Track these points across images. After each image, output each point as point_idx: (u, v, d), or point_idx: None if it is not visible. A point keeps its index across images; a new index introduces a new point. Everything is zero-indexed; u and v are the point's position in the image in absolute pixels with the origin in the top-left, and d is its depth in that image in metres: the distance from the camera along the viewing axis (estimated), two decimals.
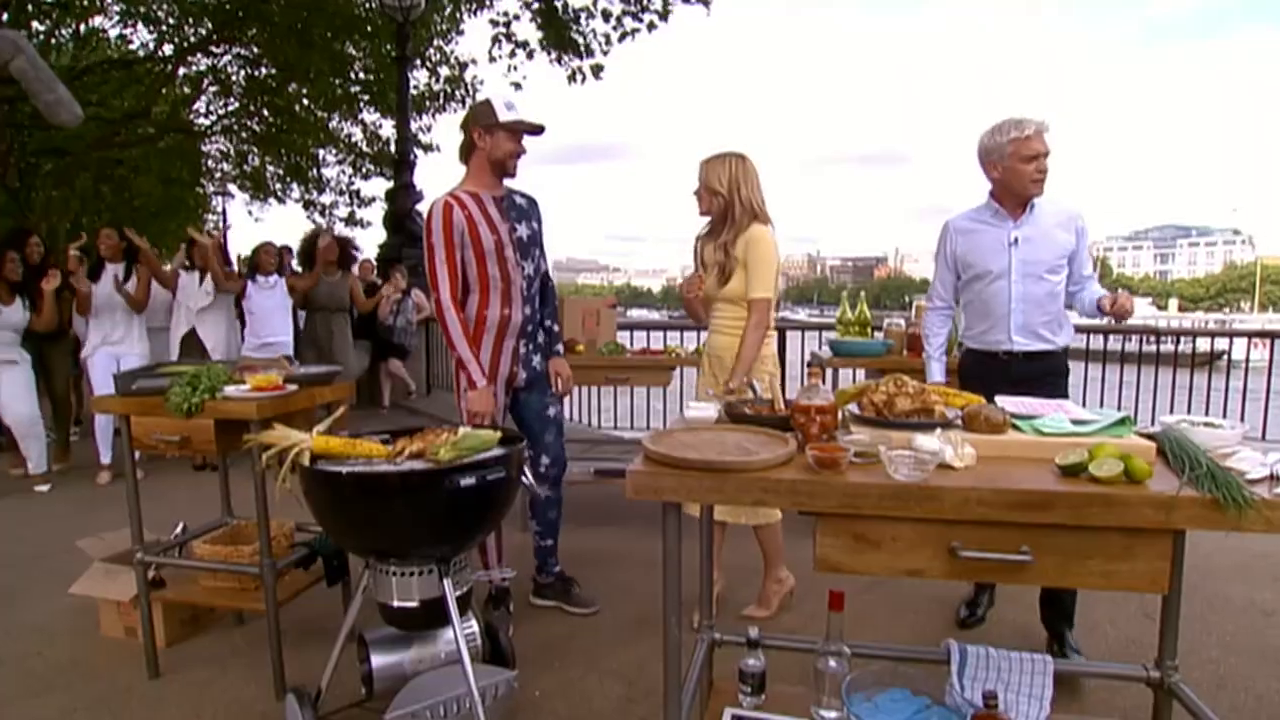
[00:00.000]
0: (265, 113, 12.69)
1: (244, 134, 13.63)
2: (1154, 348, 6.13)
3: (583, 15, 9.63)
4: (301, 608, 2.56)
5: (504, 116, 2.43)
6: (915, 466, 1.24)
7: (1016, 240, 2.45)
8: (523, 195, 2.63)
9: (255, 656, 2.42)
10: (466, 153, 2.52)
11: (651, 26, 9.39)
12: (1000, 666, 1.69)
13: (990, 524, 1.22)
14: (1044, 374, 2.43)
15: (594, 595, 2.80)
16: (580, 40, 9.76)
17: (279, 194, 15.06)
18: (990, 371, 2.48)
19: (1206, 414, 2.76)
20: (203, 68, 12.06)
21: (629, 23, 9.44)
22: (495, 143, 2.45)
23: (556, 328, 2.78)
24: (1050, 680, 1.68)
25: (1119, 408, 3.79)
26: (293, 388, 2.25)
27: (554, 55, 9.91)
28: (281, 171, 14.53)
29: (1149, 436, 1.43)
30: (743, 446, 1.44)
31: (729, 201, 2.60)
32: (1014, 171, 2.39)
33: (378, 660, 1.98)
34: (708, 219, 2.73)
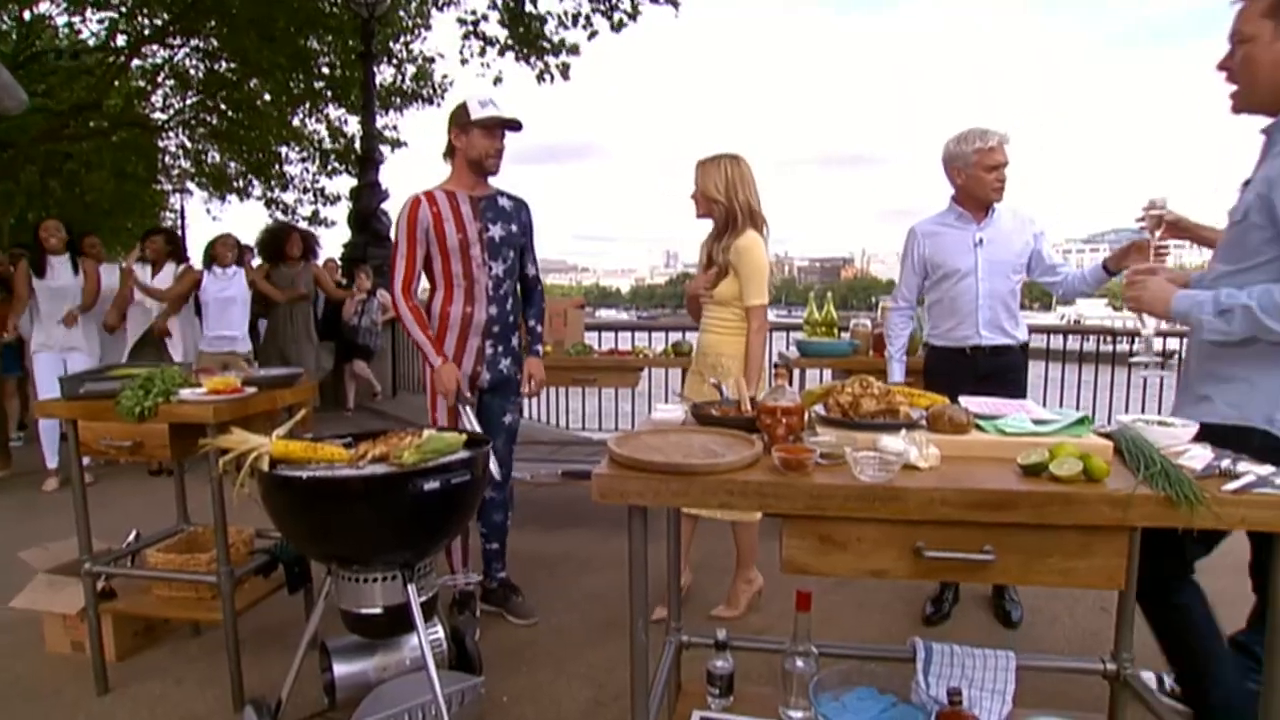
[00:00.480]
0: (224, 108, 12.37)
1: (203, 129, 13.27)
2: (1110, 347, 6.36)
3: (549, 16, 9.59)
4: (261, 616, 2.50)
5: (477, 114, 2.45)
6: (880, 467, 1.24)
7: (981, 240, 2.62)
8: (511, 198, 2.65)
9: (212, 668, 2.35)
10: (449, 154, 2.56)
11: (620, 25, 9.38)
12: (965, 663, 1.71)
13: (954, 524, 1.23)
14: (1006, 369, 2.61)
15: (534, 606, 2.78)
16: (548, 42, 9.71)
17: (241, 191, 14.69)
18: (957, 367, 2.62)
19: (1159, 412, 2.83)
20: (159, 60, 11.71)
21: (598, 21, 9.42)
22: (471, 141, 2.48)
23: (540, 328, 2.81)
24: (1013, 675, 1.71)
25: (1077, 407, 3.90)
26: (252, 390, 2.20)
27: (522, 54, 9.84)
28: (243, 168, 14.17)
29: (1106, 435, 1.46)
30: (709, 448, 1.44)
31: (728, 207, 2.64)
32: (977, 179, 2.56)
33: (340, 669, 1.94)
34: (709, 220, 2.75)
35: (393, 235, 2.51)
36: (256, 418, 2.23)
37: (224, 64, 11.34)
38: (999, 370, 2.59)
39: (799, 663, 1.68)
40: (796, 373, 3.47)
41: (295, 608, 2.49)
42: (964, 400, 1.62)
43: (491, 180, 2.60)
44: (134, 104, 12.25)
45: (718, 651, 1.79)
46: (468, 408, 2.43)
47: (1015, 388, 2.56)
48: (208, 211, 15.66)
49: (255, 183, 14.27)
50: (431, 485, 1.73)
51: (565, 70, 9.91)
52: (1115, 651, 1.80)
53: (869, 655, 1.83)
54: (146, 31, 10.68)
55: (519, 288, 2.71)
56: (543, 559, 3.37)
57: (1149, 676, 2.22)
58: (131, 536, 2.53)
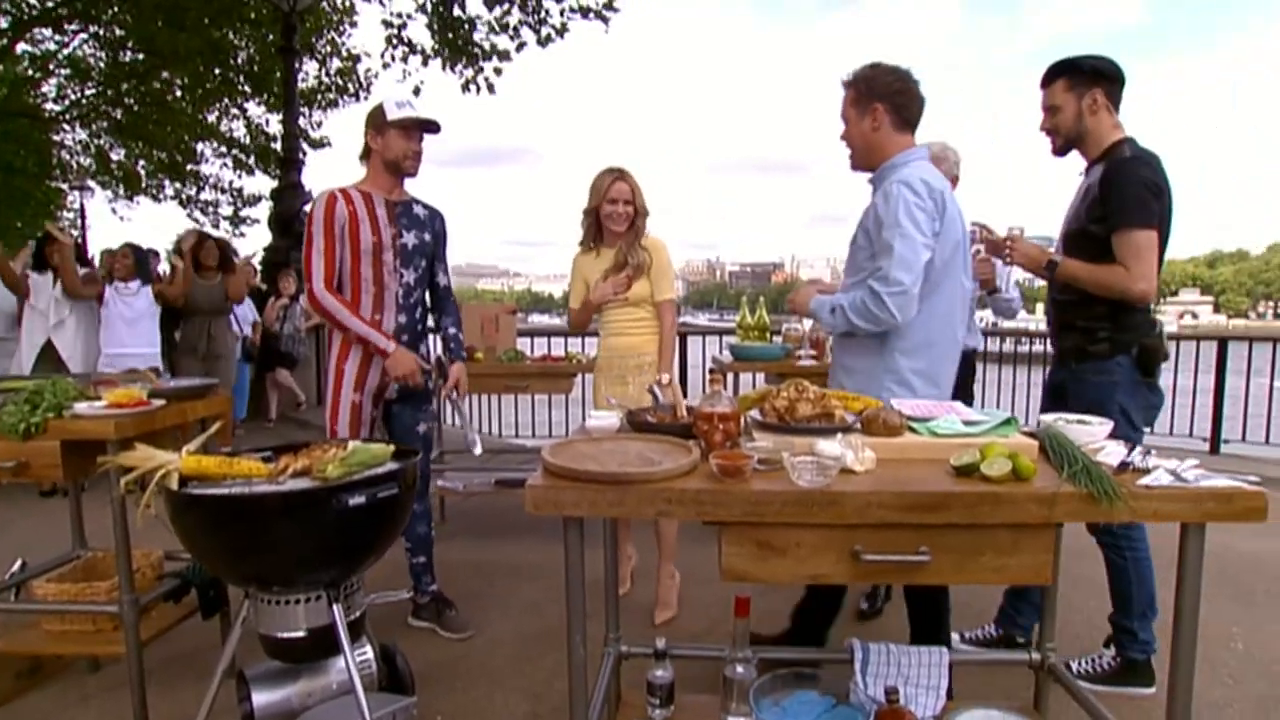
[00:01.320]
0: (130, 101, 11.60)
1: (106, 124, 12.41)
2: (1027, 348, 6.73)
3: (478, 25, 9.43)
4: (172, 645, 2.34)
5: (393, 115, 2.38)
6: (818, 472, 1.24)
7: None
8: (426, 206, 2.58)
9: (113, 705, 2.17)
10: (365, 155, 2.48)
11: (547, 40, 9.32)
12: (900, 661, 1.74)
13: (890, 526, 1.24)
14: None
15: (469, 619, 2.71)
16: (479, 49, 9.55)
17: (152, 191, 13.82)
18: None
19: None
20: (51, 46, 10.86)
21: (526, 34, 9.33)
22: (387, 143, 2.40)
23: (461, 335, 2.73)
24: (946, 671, 1.74)
25: (998, 406, 4.05)
26: (159, 403, 2.05)
27: (448, 60, 9.63)
28: (154, 167, 13.33)
29: (1031, 435, 1.51)
30: (645, 456, 1.41)
31: (638, 210, 2.78)
32: None
33: (260, 698, 1.82)
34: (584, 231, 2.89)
35: (307, 231, 2.40)
36: (165, 432, 2.09)
37: (130, 54, 10.63)
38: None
39: (739, 669, 1.67)
40: (730, 377, 3.48)
41: (211, 634, 2.34)
42: (896, 403, 1.65)
43: (408, 185, 2.53)
44: (21, 92, 11.28)
45: (657, 661, 1.77)
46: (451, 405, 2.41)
47: (962, 392, 2.62)
48: (113, 212, 14.59)
49: (167, 182, 13.46)
50: (357, 500, 1.65)
51: (490, 86, 9.74)
52: (1040, 642, 1.87)
53: (807, 659, 1.84)
54: (34, 12, 9.85)
55: (430, 297, 2.64)
56: (477, 570, 3.28)
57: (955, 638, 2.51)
58: (16, 566, 2.32)
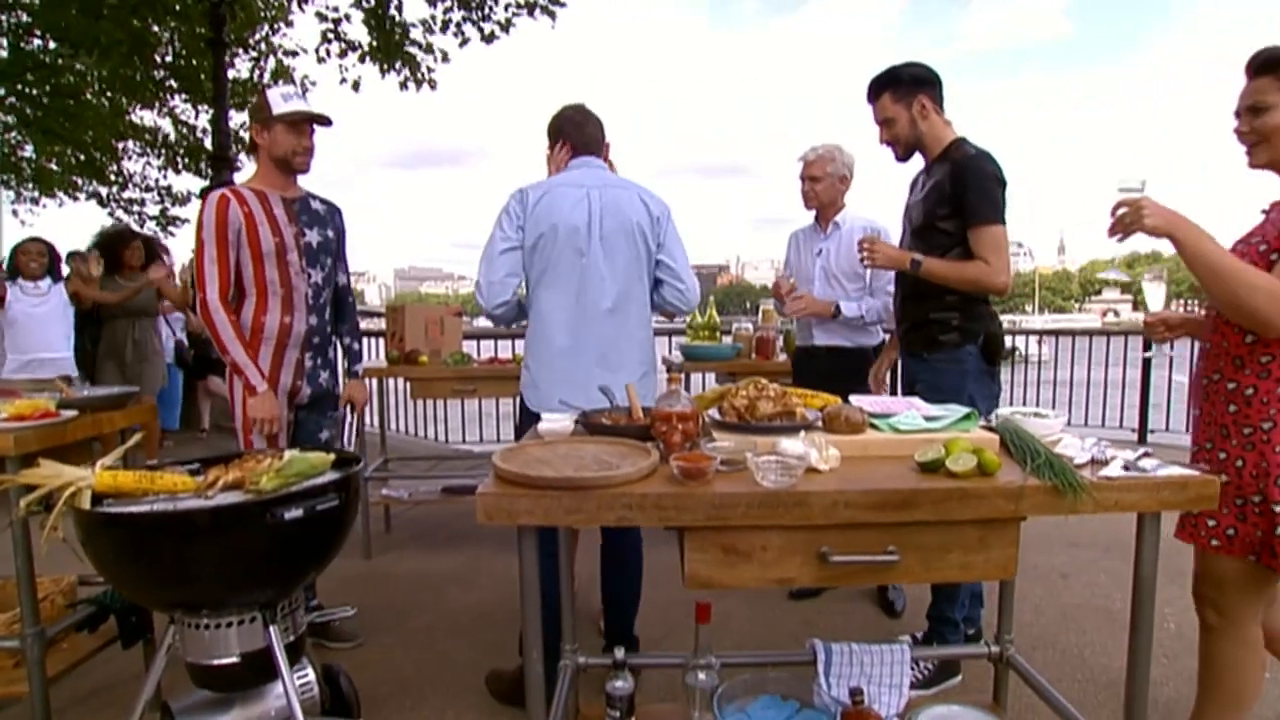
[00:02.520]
0: (36, 93, 10.80)
1: (10, 118, 11.54)
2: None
3: (416, 27, 9.19)
4: (89, 679, 2.17)
5: (279, 108, 2.24)
6: (784, 472, 1.20)
7: (821, 251, 2.85)
8: (323, 201, 2.45)
9: None
10: (252, 150, 2.38)
11: (492, 37, 9.13)
12: (863, 660, 1.71)
13: (857, 526, 1.21)
14: (845, 371, 2.75)
15: (357, 628, 2.60)
16: (417, 45, 9.30)
17: (69, 191, 12.93)
18: (806, 367, 2.89)
19: (1010, 404, 3.06)
20: None
21: (469, 30, 9.12)
22: (274, 138, 2.26)
23: (357, 345, 2.60)
24: (908, 668, 1.73)
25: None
26: (70, 413, 1.89)
27: (385, 61, 9.35)
28: (67, 165, 12.48)
29: (991, 429, 1.50)
30: (602, 460, 1.35)
31: None
32: (802, 192, 2.83)
33: None
34: None
35: (197, 236, 2.22)
36: (78, 446, 1.93)
37: (38, 42, 9.92)
38: (839, 372, 2.73)
39: (701, 676, 1.62)
40: (681, 376, 3.46)
41: (134, 664, 2.17)
42: (855, 399, 1.62)
43: (302, 181, 2.40)
44: None
45: (616, 671, 1.70)
46: None
47: (854, 387, 2.67)
48: (14, 214, 13.05)
49: (82, 182, 12.61)
50: (294, 513, 1.54)
51: (431, 83, 9.50)
52: (998, 634, 1.87)
53: (770, 662, 1.81)
54: None
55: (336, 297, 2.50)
56: (426, 581, 3.16)
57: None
58: None
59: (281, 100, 2.25)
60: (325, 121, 2.32)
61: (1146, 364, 5.67)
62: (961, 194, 2.09)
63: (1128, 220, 1.54)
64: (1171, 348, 1.84)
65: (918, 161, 2.29)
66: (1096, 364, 6.32)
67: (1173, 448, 5.37)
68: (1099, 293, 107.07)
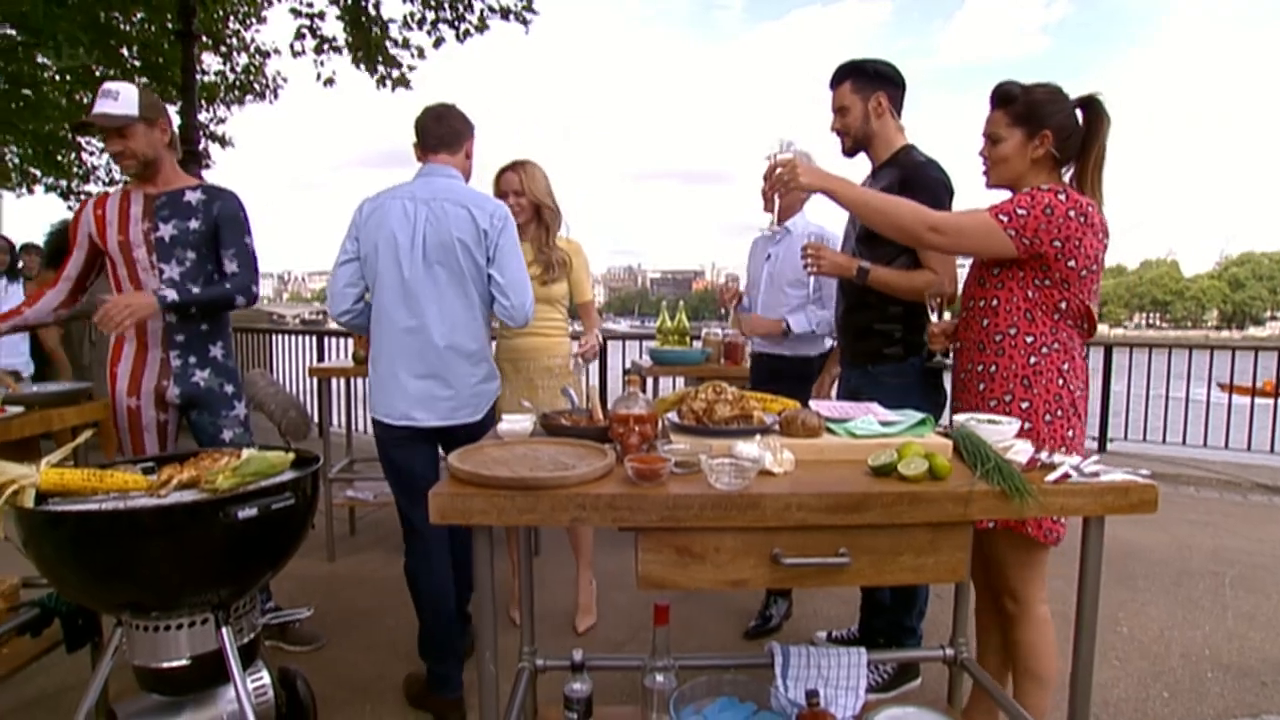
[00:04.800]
0: None
1: None
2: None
3: (393, 25, 9.14)
4: (32, 684, 2.12)
5: (92, 112, 2.16)
6: (736, 475, 1.21)
7: (770, 256, 2.79)
8: (207, 190, 2.32)
9: None
10: None
11: (466, 35, 9.11)
12: (820, 663, 1.73)
13: (810, 528, 1.22)
14: (787, 377, 2.69)
15: (316, 630, 2.58)
16: (392, 40, 9.24)
17: (25, 184, 12.57)
18: (756, 372, 2.91)
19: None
20: None
21: (444, 29, 9.09)
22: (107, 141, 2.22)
23: (228, 285, 2.32)
24: (864, 671, 1.75)
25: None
26: (15, 410, 1.84)
27: (360, 58, 9.27)
28: (29, 155, 12.12)
29: (945, 434, 1.52)
30: (558, 460, 1.35)
31: (554, 208, 2.68)
32: (761, 192, 2.62)
33: None
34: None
35: None
36: (26, 443, 1.88)
37: None
38: (782, 377, 2.69)
39: (659, 678, 1.63)
40: (650, 381, 3.47)
41: (81, 669, 2.11)
42: (814, 404, 1.64)
43: (206, 174, 2.36)
44: None
45: (574, 674, 1.70)
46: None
47: (793, 392, 2.63)
48: None
49: (40, 174, 12.25)
50: (248, 512, 1.51)
51: (407, 82, 9.44)
52: (953, 638, 1.90)
53: (728, 664, 1.81)
54: None
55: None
56: (387, 584, 3.12)
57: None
58: None
59: (99, 102, 2.15)
60: (111, 122, 2.16)
61: (1106, 374, 5.80)
62: (912, 199, 2.06)
63: (786, 179, 1.78)
64: (949, 356, 1.95)
65: (863, 164, 2.26)
66: None
67: (1133, 456, 5.52)
68: None
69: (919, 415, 1.56)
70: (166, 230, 2.25)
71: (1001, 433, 1.51)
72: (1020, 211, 1.65)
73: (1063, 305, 1.70)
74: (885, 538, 1.24)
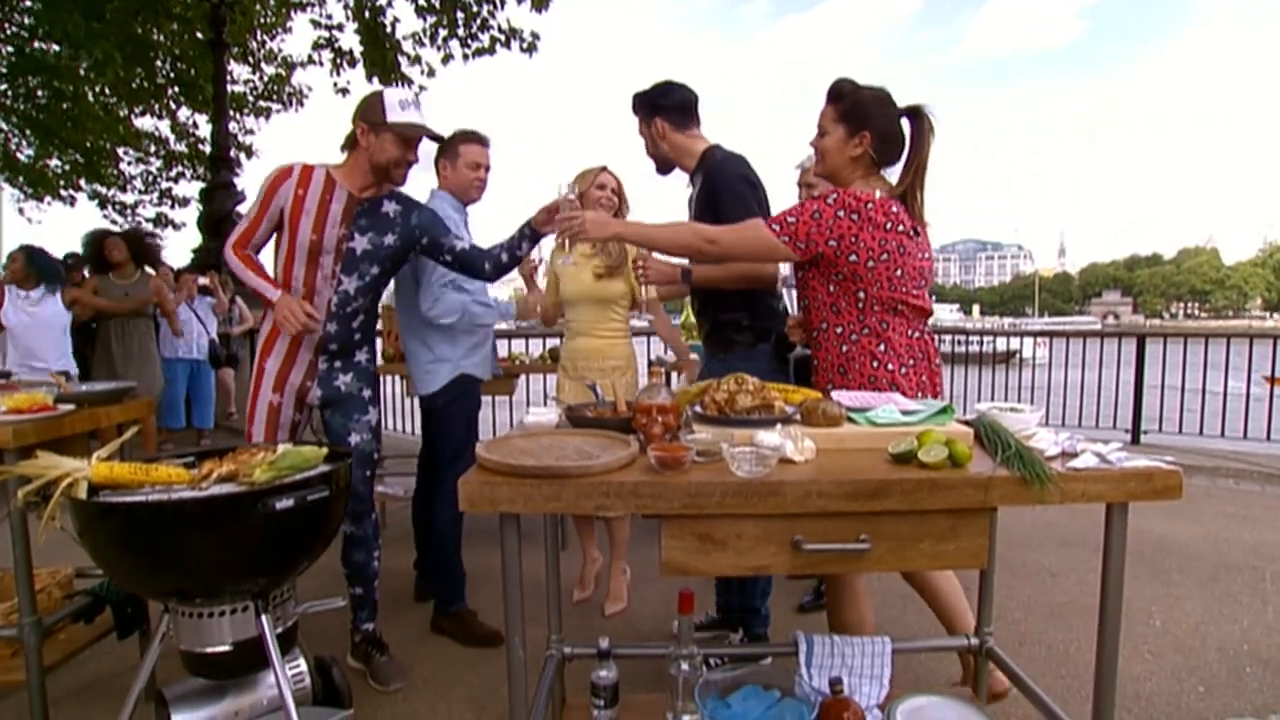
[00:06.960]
0: (40, 96, 10.83)
1: (14, 118, 11.55)
2: (964, 348, 7.07)
3: (406, 41, 9.33)
4: (86, 669, 2.20)
5: (393, 117, 2.12)
6: (757, 462, 1.23)
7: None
8: (403, 202, 2.30)
9: None
10: (349, 144, 2.22)
11: (479, 53, 9.29)
12: (844, 652, 1.74)
13: (830, 515, 1.24)
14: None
15: (398, 670, 2.38)
16: (405, 56, 9.42)
17: (67, 195, 12.93)
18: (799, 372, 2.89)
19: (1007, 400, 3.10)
20: None
21: (454, 46, 9.26)
22: (380, 145, 2.15)
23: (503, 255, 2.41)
24: (889, 660, 1.76)
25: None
26: (67, 407, 1.92)
27: (375, 73, 9.45)
28: (66, 167, 12.49)
29: (967, 423, 1.53)
30: (583, 450, 1.38)
31: (623, 202, 2.79)
32: (800, 199, 2.71)
33: (181, 718, 1.72)
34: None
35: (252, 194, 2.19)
36: (75, 440, 1.96)
37: (41, 45, 9.96)
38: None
39: (684, 666, 1.65)
40: (662, 371, 3.54)
41: (131, 655, 2.20)
42: (836, 394, 1.66)
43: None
44: None
45: (601, 661, 1.73)
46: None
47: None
48: (20, 212, 13.09)
49: (84, 183, 12.63)
50: (285, 504, 1.57)
51: (420, 89, 9.62)
52: (978, 626, 1.90)
53: (752, 653, 1.83)
54: None
55: (461, 271, 2.41)
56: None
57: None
58: None
59: (399, 108, 2.13)
60: (438, 138, 2.28)
61: (1139, 365, 5.69)
62: (716, 198, 2.18)
63: (575, 230, 1.92)
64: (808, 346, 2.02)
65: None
66: (1090, 366, 6.37)
67: (1169, 448, 5.41)
68: (1100, 294, 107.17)
69: (940, 404, 1.56)
70: (360, 243, 2.20)
71: (1024, 421, 1.51)
72: (790, 220, 1.79)
73: (861, 295, 1.81)
74: (906, 524, 1.25)
